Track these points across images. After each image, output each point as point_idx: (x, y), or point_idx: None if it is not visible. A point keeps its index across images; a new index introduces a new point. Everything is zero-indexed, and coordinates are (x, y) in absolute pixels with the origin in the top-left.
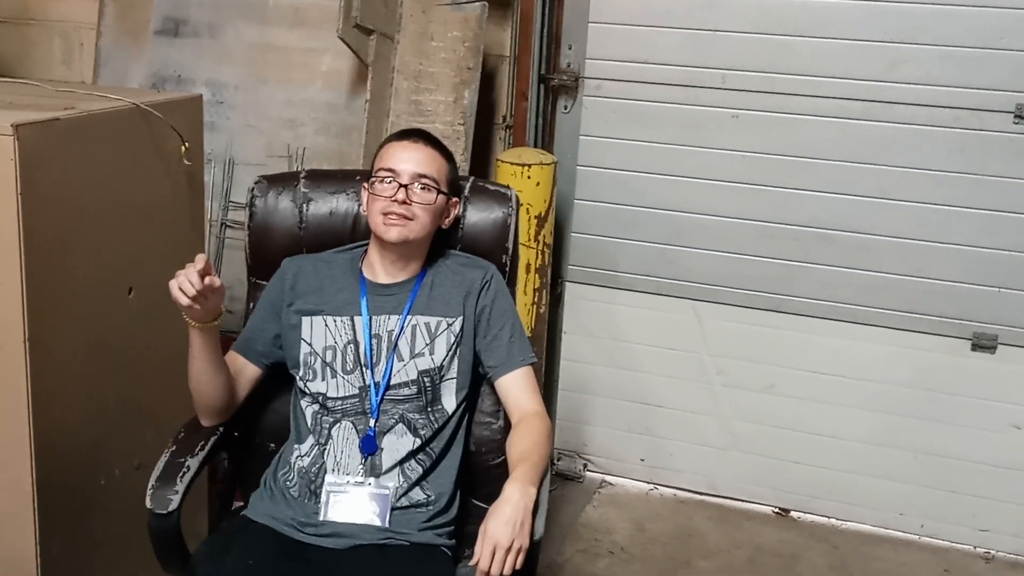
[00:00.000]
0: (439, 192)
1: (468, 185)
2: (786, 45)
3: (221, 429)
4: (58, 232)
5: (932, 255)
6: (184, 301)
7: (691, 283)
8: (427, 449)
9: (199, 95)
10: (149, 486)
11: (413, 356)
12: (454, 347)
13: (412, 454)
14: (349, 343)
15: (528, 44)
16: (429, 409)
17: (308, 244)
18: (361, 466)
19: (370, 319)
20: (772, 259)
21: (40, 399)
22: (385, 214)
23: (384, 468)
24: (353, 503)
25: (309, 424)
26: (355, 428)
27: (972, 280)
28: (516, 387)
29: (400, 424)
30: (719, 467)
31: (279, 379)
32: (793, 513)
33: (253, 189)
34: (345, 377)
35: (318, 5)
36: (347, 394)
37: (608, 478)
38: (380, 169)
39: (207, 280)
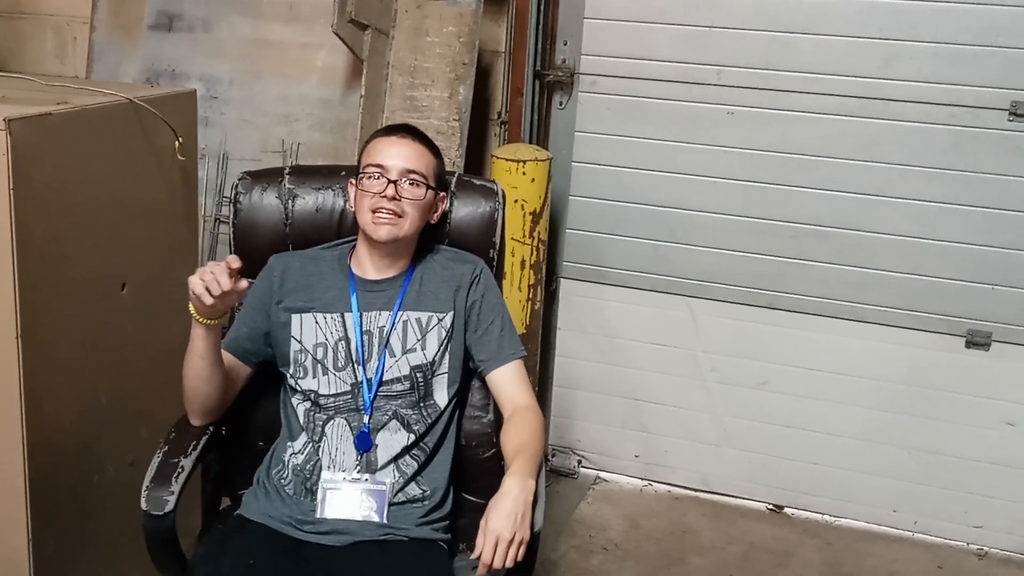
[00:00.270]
0: (428, 187)
1: (454, 180)
2: (782, 42)
3: (211, 428)
4: (51, 228)
5: (927, 252)
6: (208, 301)
7: (686, 279)
8: (421, 444)
9: (193, 90)
10: (144, 487)
11: (405, 352)
12: (445, 342)
13: (406, 450)
14: (340, 340)
15: (523, 40)
16: (422, 404)
17: (294, 240)
18: (356, 463)
19: (361, 315)
20: (767, 256)
21: (33, 396)
22: (374, 211)
23: (379, 464)
24: (350, 500)
25: (301, 421)
26: (349, 425)
27: (967, 277)
28: (508, 381)
29: (394, 420)
30: (713, 463)
31: (265, 376)
32: (787, 510)
33: (237, 185)
34: (337, 374)
35: (312, 0)
36: (339, 391)
37: (602, 474)
38: (368, 165)
39: (236, 284)
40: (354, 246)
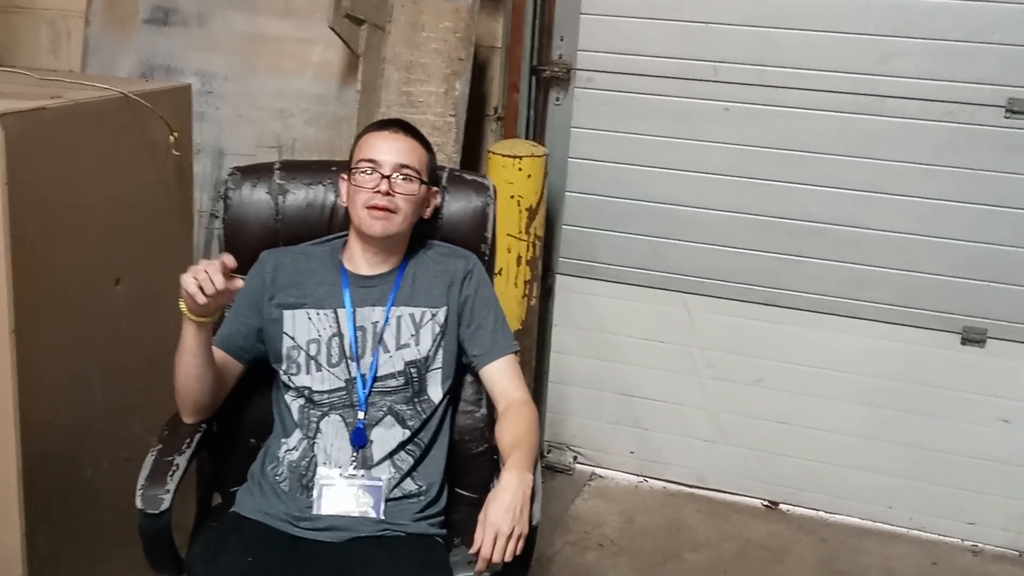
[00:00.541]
0: (421, 182)
1: (446, 175)
2: (778, 38)
3: (204, 426)
4: (45, 223)
5: (923, 249)
6: (201, 299)
7: (681, 276)
8: (416, 440)
9: (188, 85)
10: (139, 486)
11: (399, 347)
12: (439, 337)
13: (402, 445)
14: (333, 336)
15: (520, 35)
16: (416, 400)
17: (285, 236)
18: (352, 459)
19: (354, 311)
20: (762, 252)
21: (26, 391)
22: (368, 207)
23: (375, 460)
24: (346, 496)
25: (295, 418)
26: (344, 421)
27: (962, 274)
28: (501, 375)
29: (389, 416)
30: (708, 460)
31: (256, 372)
32: (782, 506)
33: (227, 181)
34: (330, 370)
35: None
36: (333, 387)
37: (597, 471)
38: (361, 160)
39: (230, 283)
40: (346, 241)
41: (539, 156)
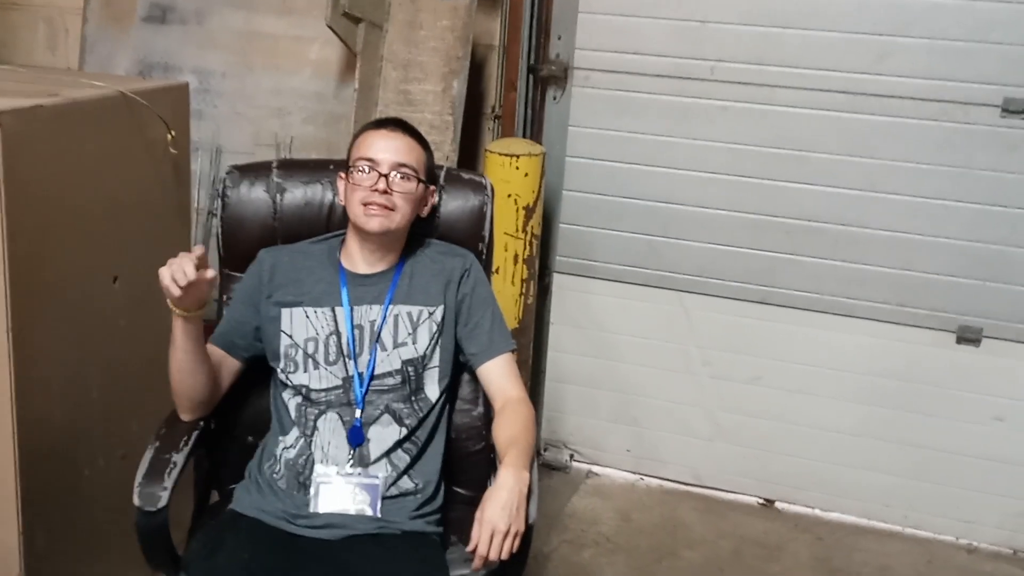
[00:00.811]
0: (419, 181)
1: (443, 174)
2: (775, 37)
3: (202, 423)
4: (42, 220)
5: (919, 248)
6: (175, 291)
7: (678, 275)
8: (413, 438)
9: (185, 83)
10: (136, 483)
11: (396, 346)
12: (436, 336)
13: (399, 443)
14: (331, 334)
15: (517, 34)
16: (413, 398)
17: (283, 235)
18: (349, 457)
19: (351, 309)
20: (759, 251)
21: (24, 389)
22: (366, 204)
23: (372, 458)
24: (343, 494)
25: (293, 416)
26: (341, 419)
27: (958, 273)
28: (498, 374)
29: (386, 414)
30: (705, 458)
31: (254, 370)
32: (778, 504)
33: (225, 179)
34: (328, 368)
35: None
36: (330, 385)
37: (594, 469)
38: (359, 159)
39: (201, 273)
40: (344, 240)
41: (536, 155)
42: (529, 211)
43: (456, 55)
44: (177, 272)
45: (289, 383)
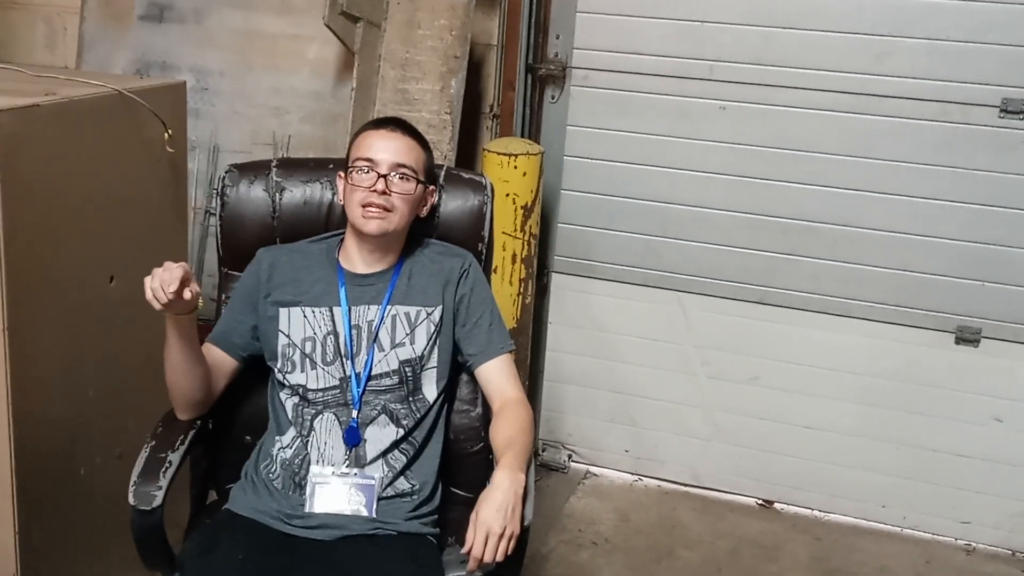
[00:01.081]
0: (418, 181)
1: (443, 174)
2: (774, 36)
3: (199, 422)
4: (38, 219)
5: (917, 248)
6: (156, 306)
7: (677, 274)
8: (410, 439)
9: (183, 81)
10: (131, 482)
11: (394, 346)
12: (434, 336)
13: (395, 444)
14: (329, 334)
15: (516, 33)
16: (410, 399)
17: (282, 234)
18: (345, 457)
19: (349, 309)
20: (758, 251)
21: (20, 388)
22: (364, 205)
23: (368, 459)
24: (339, 494)
25: (289, 416)
26: (337, 419)
27: (956, 274)
28: (497, 375)
29: (383, 415)
30: (703, 458)
31: (251, 370)
32: (776, 504)
33: (224, 178)
34: (325, 368)
35: None
36: (327, 385)
37: (592, 469)
38: (358, 159)
39: (185, 293)
40: (342, 240)
41: (534, 154)
42: (527, 210)
43: (454, 54)
44: (158, 291)
45: (286, 383)
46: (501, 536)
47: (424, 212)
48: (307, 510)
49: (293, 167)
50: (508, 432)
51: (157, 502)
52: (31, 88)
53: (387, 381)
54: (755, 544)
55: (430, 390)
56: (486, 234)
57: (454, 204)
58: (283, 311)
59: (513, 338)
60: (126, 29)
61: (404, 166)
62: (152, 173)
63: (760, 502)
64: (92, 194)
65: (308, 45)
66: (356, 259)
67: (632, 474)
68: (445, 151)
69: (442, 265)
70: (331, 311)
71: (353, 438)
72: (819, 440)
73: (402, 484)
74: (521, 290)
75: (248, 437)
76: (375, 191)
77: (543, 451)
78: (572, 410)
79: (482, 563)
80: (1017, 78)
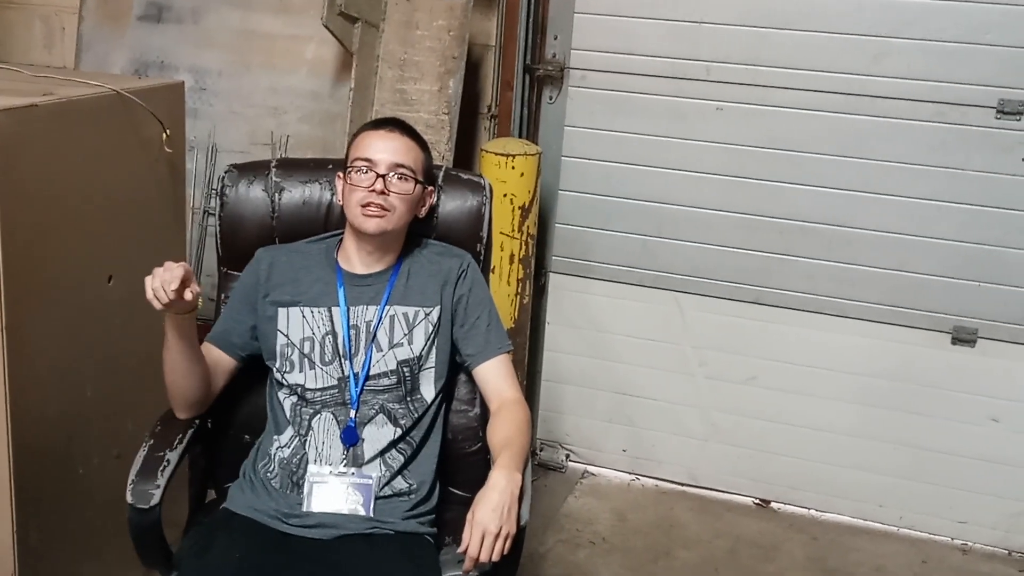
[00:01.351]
0: (416, 182)
1: (442, 174)
2: (771, 37)
3: (197, 422)
4: (36, 219)
5: (913, 248)
6: (157, 306)
7: (674, 275)
8: (407, 438)
9: (181, 81)
10: (129, 481)
11: (392, 346)
12: (432, 336)
13: (393, 444)
14: (327, 334)
15: (514, 34)
16: (408, 399)
17: (281, 234)
18: (343, 457)
19: (348, 309)
20: (754, 251)
21: (18, 387)
22: (363, 205)
23: (366, 458)
24: (336, 493)
25: (288, 415)
26: (335, 419)
27: (953, 274)
28: (494, 375)
29: (380, 414)
30: (700, 458)
31: (251, 370)
32: (773, 504)
33: (223, 178)
34: (323, 368)
35: None
36: (326, 385)
37: (590, 468)
38: (357, 159)
39: (185, 293)
40: (341, 240)
41: (532, 154)
42: (525, 211)
43: (452, 55)
44: (159, 291)
45: (285, 382)
46: (497, 536)
47: (423, 213)
48: (305, 509)
49: (292, 167)
50: (505, 432)
51: (155, 500)
52: (29, 88)
53: (385, 381)
54: (752, 544)
55: (428, 390)
56: (484, 235)
57: (453, 205)
58: (282, 311)
59: (511, 338)
60: (124, 29)
61: (403, 166)
62: (150, 173)
63: (757, 502)
64: (90, 194)
65: (306, 45)
66: (355, 259)
67: (630, 474)
68: (443, 151)
69: (440, 265)
70: (330, 311)
71: (351, 437)
72: (816, 440)
73: (400, 484)
74: (519, 290)
75: (246, 436)
76: (374, 191)
77: (541, 451)
78: (570, 410)
79: (478, 563)
80: (1013, 79)
